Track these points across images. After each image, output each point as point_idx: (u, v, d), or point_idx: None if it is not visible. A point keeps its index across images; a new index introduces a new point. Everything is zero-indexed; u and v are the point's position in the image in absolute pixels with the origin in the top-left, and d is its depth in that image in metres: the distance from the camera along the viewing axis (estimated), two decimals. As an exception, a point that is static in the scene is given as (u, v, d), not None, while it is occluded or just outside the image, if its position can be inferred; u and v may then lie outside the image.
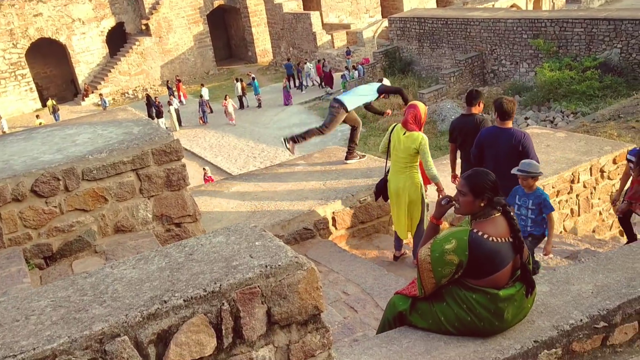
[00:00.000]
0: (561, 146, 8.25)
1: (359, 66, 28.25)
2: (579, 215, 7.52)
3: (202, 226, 5.05)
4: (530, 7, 33.34)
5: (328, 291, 4.89)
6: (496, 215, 2.99)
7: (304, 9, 34.95)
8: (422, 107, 5.53)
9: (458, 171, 6.34)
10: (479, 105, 5.99)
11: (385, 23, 30.79)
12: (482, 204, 2.98)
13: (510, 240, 2.95)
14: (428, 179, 5.60)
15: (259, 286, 2.08)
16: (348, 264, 5.37)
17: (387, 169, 5.78)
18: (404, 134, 5.45)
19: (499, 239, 2.92)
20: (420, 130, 5.44)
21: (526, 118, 18.90)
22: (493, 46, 23.31)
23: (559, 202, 7.35)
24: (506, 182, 5.44)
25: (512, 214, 3.01)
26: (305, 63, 30.60)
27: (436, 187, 5.49)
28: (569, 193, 7.44)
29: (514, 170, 5.08)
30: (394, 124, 5.68)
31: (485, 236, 2.90)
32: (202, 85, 30.05)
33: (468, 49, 24.19)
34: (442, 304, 3.00)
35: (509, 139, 5.40)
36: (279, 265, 2.12)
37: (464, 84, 23.70)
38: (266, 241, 2.30)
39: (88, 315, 1.92)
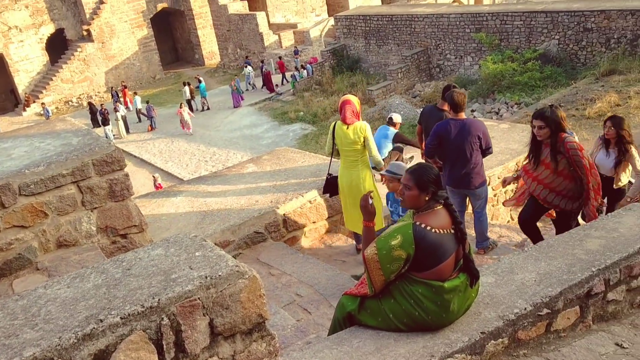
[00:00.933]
0: (505, 137, 8.46)
1: (308, 65, 28.29)
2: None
3: (150, 236, 4.94)
4: (472, 1, 34.06)
5: (281, 294, 4.87)
6: (438, 207, 3.05)
7: (250, 10, 34.74)
8: (355, 100, 5.61)
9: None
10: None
11: (332, 21, 30.90)
12: (427, 198, 3.03)
13: (452, 231, 3.00)
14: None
15: (199, 298, 2.04)
16: (301, 266, 5.36)
17: (330, 166, 5.86)
18: (347, 128, 5.51)
19: (441, 230, 2.97)
20: (358, 119, 5.53)
21: (472, 110, 19.30)
22: (438, 41, 23.69)
23: (505, 192, 7.53)
24: (466, 170, 5.68)
25: (452, 206, 3.06)
26: (245, 67, 30.17)
27: (380, 168, 5.60)
28: (514, 183, 7.62)
29: (382, 172, 5.05)
30: (333, 123, 5.72)
31: (429, 228, 2.94)
32: (135, 93, 29.46)
33: (414, 44, 24.52)
34: (390, 300, 3.02)
35: (467, 129, 5.55)
36: (220, 275, 2.08)
37: (411, 80, 24.01)
38: (206, 251, 2.25)
39: (18, 341, 1.83)
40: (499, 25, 21.52)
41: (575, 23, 19.46)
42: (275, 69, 30.35)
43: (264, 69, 29.32)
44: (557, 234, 5.07)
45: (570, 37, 19.77)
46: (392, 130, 8.54)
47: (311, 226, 6.09)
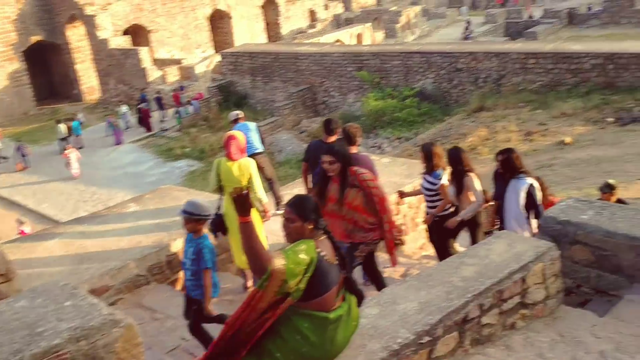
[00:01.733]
0: (386, 171, 8.80)
1: (194, 101, 27.95)
2: (407, 234, 8.03)
3: (19, 285, 4.56)
4: (354, 41, 35.59)
5: (166, 339, 4.66)
6: (322, 238, 3.09)
7: (133, 45, 33.87)
8: (241, 136, 5.70)
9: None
10: (336, 134, 6.13)
11: (218, 58, 30.89)
12: (310, 227, 3.05)
13: (335, 262, 3.05)
14: None
15: (69, 352, 1.89)
16: (187, 308, 5.17)
17: (218, 205, 5.74)
18: (232, 164, 5.54)
19: (331, 260, 3.01)
20: (243, 156, 5.62)
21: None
22: (322, 79, 24.41)
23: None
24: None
25: (332, 234, 3.13)
26: (120, 106, 28.89)
27: (262, 209, 5.59)
28: (396, 214, 7.92)
29: (178, 213, 4.68)
30: (218, 160, 5.71)
31: (323, 254, 2.97)
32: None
33: (299, 81, 25.08)
34: (276, 339, 2.97)
35: (356, 163, 5.61)
36: (92, 325, 1.95)
37: (298, 116, 24.46)
38: (77, 300, 2.11)
39: None
40: (379, 65, 22.61)
41: (448, 63, 20.90)
42: (159, 107, 29.47)
43: (142, 107, 28.19)
44: (365, 270, 5.38)
45: (443, 76, 21.17)
46: (252, 123, 8.55)
47: (197, 266, 5.91)
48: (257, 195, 5.53)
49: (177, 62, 34.46)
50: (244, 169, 5.49)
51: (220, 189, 5.70)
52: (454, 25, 45.47)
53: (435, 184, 6.09)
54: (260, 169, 8.61)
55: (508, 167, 5.74)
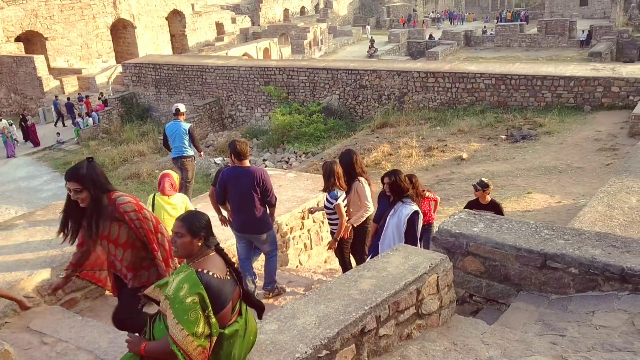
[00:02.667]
0: (292, 185, 8.86)
1: (94, 113, 26.82)
2: (311, 248, 8.10)
3: None
4: (261, 56, 35.70)
5: (55, 365, 4.39)
6: (211, 254, 3.08)
7: (26, 52, 32.05)
8: (174, 175, 6.06)
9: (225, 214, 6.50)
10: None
11: (120, 68, 29.88)
12: (199, 244, 3.05)
13: (229, 276, 3.05)
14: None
15: None
16: (79, 330, 4.91)
17: None
18: (168, 199, 5.91)
19: (221, 276, 3.00)
20: (177, 192, 6.00)
21: (264, 160, 19.96)
22: (229, 92, 24.24)
23: (293, 238, 7.83)
24: (248, 216, 6.06)
25: (223, 250, 3.13)
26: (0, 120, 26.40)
27: None
28: (301, 229, 7.98)
29: None
30: (152, 195, 6.01)
31: (211, 273, 2.96)
32: None
33: (205, 95, 24.76)
34: (175, 357, 2.91)
35: (250, 177, 5.94)
36: (-41, 354, 1.80)
37: (204, 129, 24.09)
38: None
39: None
40: (286, 80, 22.80)
41: (353, 80, 21.44)
42: (70, 114, 27.61)
43: (27, 122, 25.99)
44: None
45: (349, 93, 21.68)
46: (185, 125, 9.20)
47: (92, 287, 5.64)
48: None
49: (76, 71, 32.98)
50: (180, 205, 5.86)
51: None
52: (359, 43, 46.83)
53: (331, 203, 6.17)
54: (185, 170, 9.26)
55: (395, 190, 5.72)
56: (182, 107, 9.43)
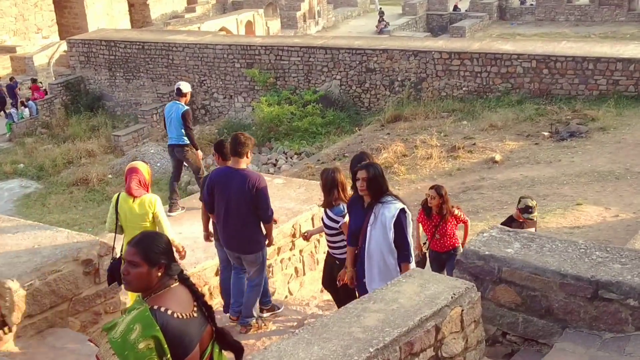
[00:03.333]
0: (279, 194, 8.87)
1: (30, 102, 26.76)
2: (304, 274, 8.11)
3: None
4: (243, 31, 35.75)
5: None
6: (174, 285, 3.08)
7: (-53, 25, 32.08)
8: (144, 168, 6.09)
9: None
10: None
11: (64, 46, 29.89)
12: (159, 274, 3.04)
13: (195, 314, 3.05)
14: None
15: None
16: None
17: (116, 252, 5.97)
18: (133, 201, 5.94)
19: (184, 314, 3.00)
20: (148, 192, 6.03)
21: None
22: (202, 77, 24.29)
23: (281, 261, 7.84)
24: (238, 233, 6.09)
25: (189, 279, 3.14)
26: None
27: (175, 249, 5.72)
28: (291, 249, 8.00)
29: None
30: (117, 194, 6.11)
31: (170, 312, 2.95)
32: None
33: (172, 80, 24.73)
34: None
35: (241, 181, 5.97)
36: None
37: (170, 123, 24.10)
38: None
39: None
40: (274, 61, 22.86)
41: (358, 62, 21.52)
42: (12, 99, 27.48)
43: None
44: None
45: (352, 78, 21.74)
46: (182, 107, 9.42)
47: (25, 321, 5.63)
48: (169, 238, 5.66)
49: (9, 49, 32.97)
50: (148, 207, 5.87)
51: (121, 230, 6.08)
52: (366, 16, 46.96)
53: (337, 222, 6.14)
54: (187, 162, 9.63)
55: (374, 189, 5.38)
56: (185, 87, 9.67)
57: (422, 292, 4.11)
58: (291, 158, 20.13)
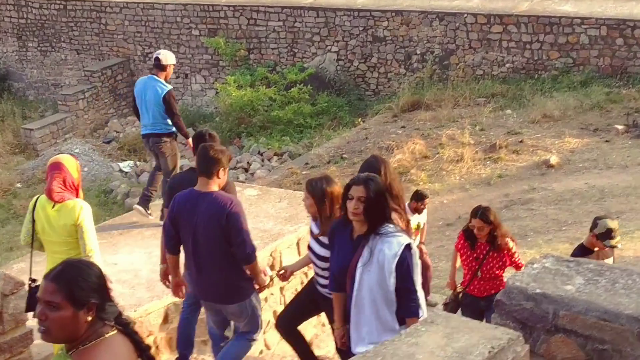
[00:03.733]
0: (253, 211, 8.86)
1: None
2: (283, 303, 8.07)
3: None
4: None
5: None
6: (110, 333, 3.07)
7: None
8: (71, 164, 6.18)
9: None
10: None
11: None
12: (88, 318, 3.03)
13: None
14: None
15: None
16: None
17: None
18: (53, 207, 6.01)
19: None
20: (77, 196, 6.13)
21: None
22: (146, 48, 24.24)
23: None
24: (210, 277, 6.21)
25: (131, 326, 3.15)
26: None
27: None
28: (268, 286, 7.94)
29: None
30: (36, 197, 6.26)
31: None
32: None
33: (106, 52, 24.75)
34: None
35: (212, 208, 6.06)
36: None
37: (102, 112, 24.05)
38: None
39: None
40: (246, 27, 22.82)
41: (361, 28, 21.51)
42: None
43: None
44: None
45: (354, 50, 21.73)
46: (163, 85, 9.66)
47: None
48: (87, 256, 5.90)
49: None
50: (66, 218, 5.93)
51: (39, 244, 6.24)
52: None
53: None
54: (161, 156, 9.77)
55: (372, 213, 5.26)
56: (167, 57, 9.97)
57: (449, 344, 4.09)
58: (269, 160, 20.07)
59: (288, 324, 6.65)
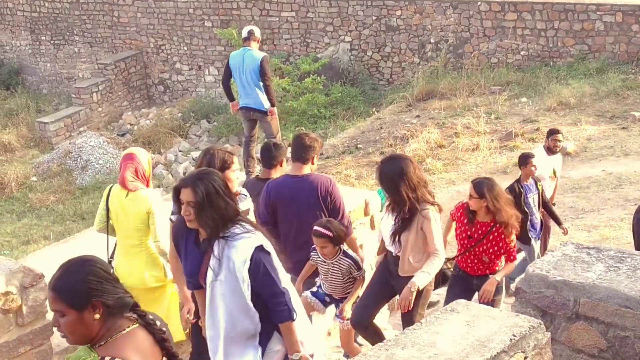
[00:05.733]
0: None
1: None
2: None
3: None
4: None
5: None
6: (132, 327, 3.12)
7: None
8: (143, 156, 6.61)
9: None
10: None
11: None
12: (96, 316, 3.06)
13: None
14: None
15: None
16: None
17: (111, 252, 6.52)
18: (127, 196, 6.34)
19: None
20: (147, 186, 6.53)
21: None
22: (160, 40, 24.23)
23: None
24: (306, 253, 6.60)
25: (151, 318, 3.16)
26: None
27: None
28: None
29: None
30: (110, 186, 6.65)
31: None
32: None
33: (119, 44, 24.76)
34: None
35: (312, 190, 6.48)
36: None
37: (116, 105, 24.08)
38: None
39: None
40: (259, 18, 22.79)
41: (375, 17, 21.46)
42: None
43: None
44: None
45: (367, 40, 21.69)
46: (258, 52, 10.74)
47: None
48: (160, 246, 6.35)
49: None
50: (140, 206, 6.28)
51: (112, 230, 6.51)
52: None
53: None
54: (266, 125, 10.96)
55: (205, 217, 4.79)
56: (257, 30, 10.80)
57: (470, 332, 4.08)
58: (284, 152, 20.09)
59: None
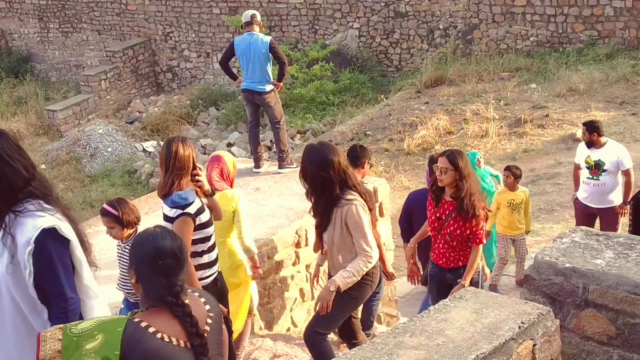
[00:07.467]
0: (278, 188, 8.87)
1: None
2: (312, 297, 8.08)
3: None
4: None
5: None
6: (158, 307, 3.19)
7: None
8: (229, 159, 6.90)
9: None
10: (362, 167, 7.40)
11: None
12: (133, 281, 3.27)
13: (188, 346, 3.15)
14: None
15: None
16: None
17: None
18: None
19: (174, 339, 3.10)
20: (231, 187, 6.81)
21: (230, 144, 19.94)
22: (168, 28, 24.26)
23: (280, 281, 7.83)
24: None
25: (184, 307, 3.18)
26: None
27: (251, 263, 6.71)
28: (294, 264, 7.98)
29: None
30: None
31: (151, 330, 3.07)
32: None
33: (127, 32, 24.78)
34: None
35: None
36: None
37: (124, 91, 24.12)
38: None
39: None
40: (267, 4, 22.78)
41: (383, 4, 21.42)
42: None
43: None
44: None
45: (376, 26, 21.65)
46: (265, 37, 10.42)
47: None
48: (245, 242, 6.66)
49: None
50: (225, 205, 6.46)
51: None
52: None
53: None
54: (267, 107, 10.51)
55: None
56: (258, 14, 10.66)
57: (478, 320, 4.07)
58: (292, 139, 20.08)
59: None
